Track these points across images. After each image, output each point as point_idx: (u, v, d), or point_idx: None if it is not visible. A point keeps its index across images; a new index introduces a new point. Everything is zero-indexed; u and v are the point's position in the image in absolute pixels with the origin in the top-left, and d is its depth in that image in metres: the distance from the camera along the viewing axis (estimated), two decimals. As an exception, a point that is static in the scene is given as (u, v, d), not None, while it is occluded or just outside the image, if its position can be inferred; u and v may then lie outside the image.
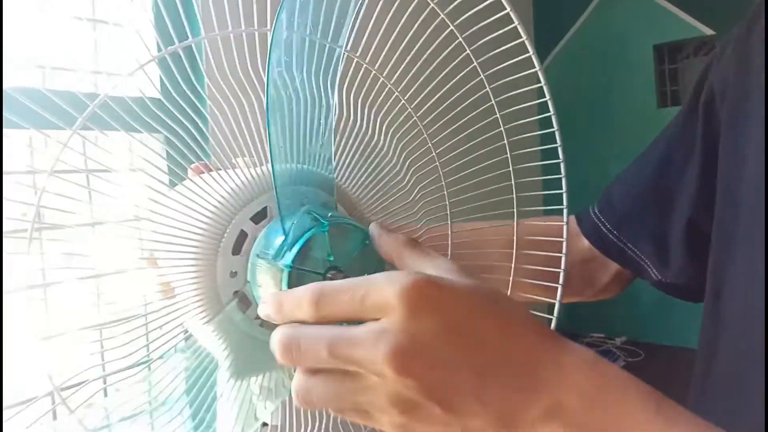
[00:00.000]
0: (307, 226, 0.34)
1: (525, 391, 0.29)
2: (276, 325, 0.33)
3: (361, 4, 0.38)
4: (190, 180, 0.40)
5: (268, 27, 0.40)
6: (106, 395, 0.44)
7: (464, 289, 0.30)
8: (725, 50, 0.49)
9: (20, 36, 0.56)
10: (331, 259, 0.34)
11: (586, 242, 0.60)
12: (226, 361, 0.37)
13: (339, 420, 0.44)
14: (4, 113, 0.35)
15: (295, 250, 0.33)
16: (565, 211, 0.47)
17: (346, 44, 0.38)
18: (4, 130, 0.39)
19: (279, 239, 0.35)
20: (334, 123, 0.38)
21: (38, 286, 0.38)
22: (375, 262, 0.35)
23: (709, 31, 1.88)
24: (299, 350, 0.30)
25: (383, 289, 0.29)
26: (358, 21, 0.39)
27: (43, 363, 0.36)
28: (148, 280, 0.40)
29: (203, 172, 0.41)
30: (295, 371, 0.31)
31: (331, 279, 0.34)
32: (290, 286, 0.33)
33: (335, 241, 0.34)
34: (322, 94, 0.37)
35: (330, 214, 0.36)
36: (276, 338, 0.31)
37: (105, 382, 0.45)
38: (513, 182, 0.47)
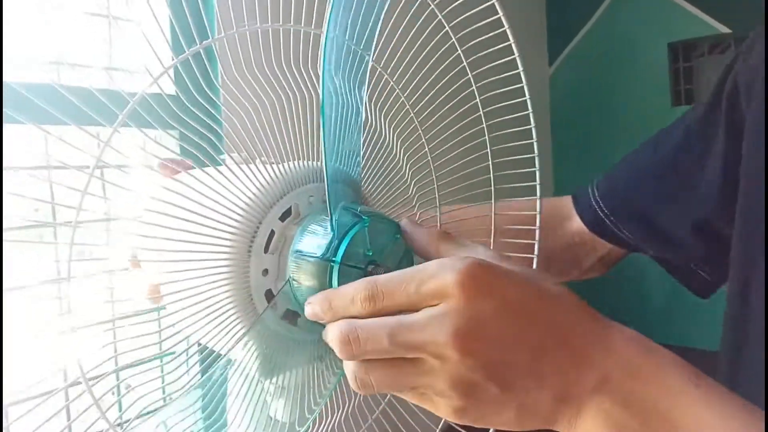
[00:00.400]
0: (350, 223, 0.35)
1: (577, 367, 0.30)
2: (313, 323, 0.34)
3: (383, 14, 0.39)
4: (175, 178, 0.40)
5: (281, 23, 0.40)
6: (119, 392, 0.44)
7: (516, 272, 0.32)
8: (754, 44, 0.48)
9: (41, 34, 0.56)
10: (370, 254, 0.36)
11: (578, 223, 0.60)
12: (255, 362, 0.37)
13: (344, 418, 0.44)
14: (5, 109, 0.35)
15: (343, 246, 0.34)
16: (538, 202, 0.48)
17: (373, 52, 0.39)
18: (45, 126, 0.38)
19: (319, 236, 0.36)
20: (362, 125, 0.39)
21: (54, 280, 0.38)
22: (403, 254, 0.37)
23: (724, 29, 1.86)
24: (359, 343, 0.30)
25: (439, 277, 0.30)
26: (380, 30, 0.40)
27: (65, 356, 0.36)
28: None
29: (177, 171, 0.41)
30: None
31: (371, 273, 0.35)
32: (340, 281, 0.34)
33: (372, 236, 0.36)
34: (353, 96, 0.38)
35: (360, 209, 0.37)
36: (333, 334, 0.31)
37: (118, 378, 0.45)
38: (492, 175, 0.48)
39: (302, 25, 0.42)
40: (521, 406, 0.31)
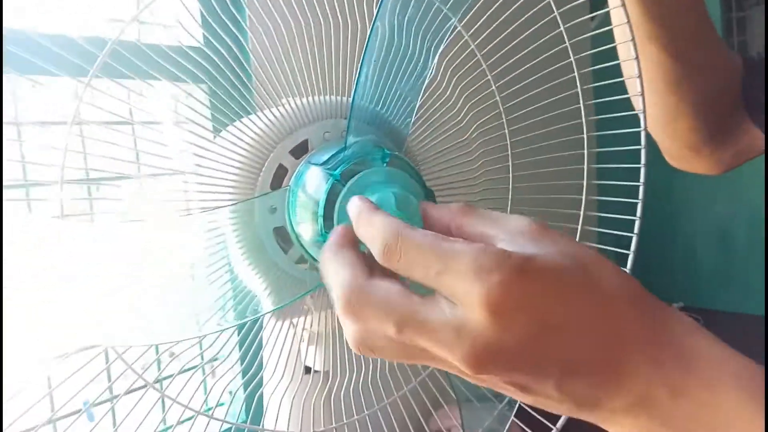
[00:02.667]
0: (369, 151, 0.31)
1: (611, 385, 0.26)
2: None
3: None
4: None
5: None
6: (157, 351, 0.43)
7: (552, 269, 0.26)
8: None
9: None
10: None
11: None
12: (267, 301, 0.36)
13: (387, 368, 0.42)
14: None
15: (348, 164, 0.30)
16: (641, 188, 0.43)
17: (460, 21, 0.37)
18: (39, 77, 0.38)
19: (333, 149, 0.32)
20: (423, 77, 0.36)
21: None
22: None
23: (781, -26, 1.74)
24: (361, 315, 0.27)
25: (467, 280, 0.25)
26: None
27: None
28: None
29: None
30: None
31: None
32: (328, 196, 0.30)
33: (390, 178, 0.31)
34: (423, 53, 0.35)
35: (396, 153, 0.33)
36: (337, 285, 0.27)
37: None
38: (585, 134, 0.43)
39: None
40: (541, 403, 0.28)
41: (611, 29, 0.46)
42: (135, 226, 0.37)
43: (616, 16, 0.45)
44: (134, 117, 0.39)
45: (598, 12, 0.49)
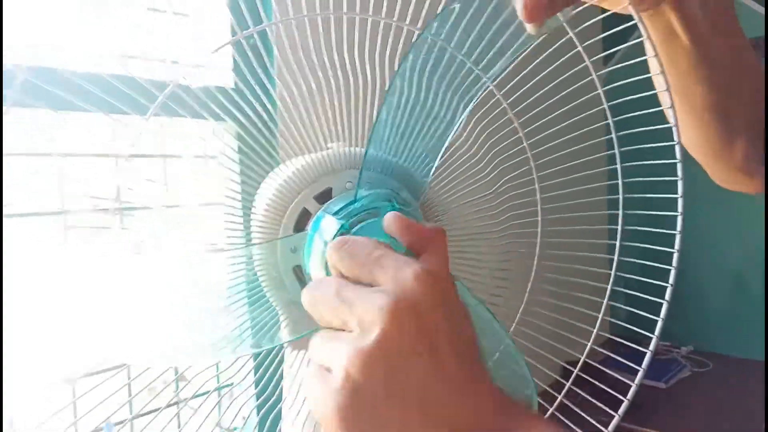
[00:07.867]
0: (378, 204, 0.34)
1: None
2: None
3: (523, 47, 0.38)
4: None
5: (345, 11, 0.40)
6: (176, 373, 0.45)
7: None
8: None
9: (104, 27, 0.59)
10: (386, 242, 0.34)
11: None
12: (285, 330, 0.38)
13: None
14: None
15: (357, 215, 0.33)
16: (680, 217, 0.44)
17: (494, 80, 0.39)
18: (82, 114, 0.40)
19: (347, 199, 0.35)
20: (449, 140, 0.39)
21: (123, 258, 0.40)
22: None
23: (793, 27, 1.77)
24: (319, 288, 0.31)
25: (399, 266, 0.29)
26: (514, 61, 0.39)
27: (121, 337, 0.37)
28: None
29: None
30: None
31: None
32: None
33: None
34: (450, 111, 0.38)
35: (409, 208, 0.35)
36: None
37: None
38: (620, 177, 0.45)
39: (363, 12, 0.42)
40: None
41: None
42: (165, 256, 0.40)
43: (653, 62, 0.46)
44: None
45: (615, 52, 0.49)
